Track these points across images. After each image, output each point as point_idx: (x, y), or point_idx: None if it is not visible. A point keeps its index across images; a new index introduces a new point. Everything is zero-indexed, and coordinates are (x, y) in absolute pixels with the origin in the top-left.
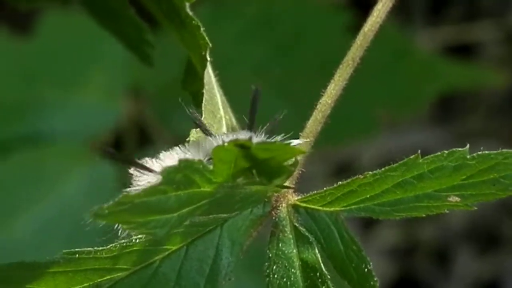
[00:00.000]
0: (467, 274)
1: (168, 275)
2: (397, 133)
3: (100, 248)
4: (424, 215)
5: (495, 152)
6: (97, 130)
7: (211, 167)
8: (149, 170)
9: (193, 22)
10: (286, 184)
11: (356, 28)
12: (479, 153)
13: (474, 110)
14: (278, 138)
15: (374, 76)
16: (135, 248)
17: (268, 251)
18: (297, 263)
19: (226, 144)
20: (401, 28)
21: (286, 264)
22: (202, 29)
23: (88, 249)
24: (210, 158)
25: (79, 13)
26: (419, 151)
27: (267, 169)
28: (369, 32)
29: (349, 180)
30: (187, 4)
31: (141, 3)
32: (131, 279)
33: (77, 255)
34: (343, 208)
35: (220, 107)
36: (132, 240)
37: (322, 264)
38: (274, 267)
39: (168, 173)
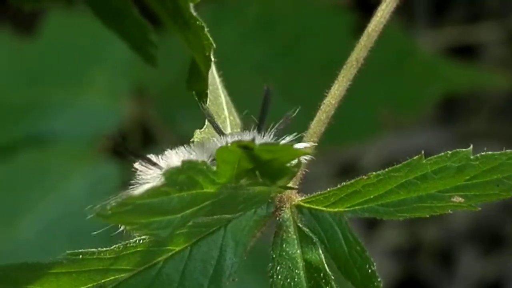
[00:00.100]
0: (471, 275)
1: (171, 276)
2: (401, 134)
3: (104, 248)
4: (427, 216)
5: (498, 152)
6: (101, 130)
7: (214, 168)
8: (156, 165)
9: (197, 22)
10: (290, 185)
11: (359, 29)
12: (483, 153)
13: (477, 111)
14: (287, 139)
15: (378, 77)
16: (138, 249)
17: (271, 252)
18: (300, 264)
19: (229, 145)
20: (404, 29)
21: (290, 265)
22: (206, 29)
23: (92, 250)
24: (214, 159)
25: (82, 14)
26: (422, 152)
27: (270, 170)
28: (373, 33)
29: (352, 180)
30: (191, 5)
31: (145, 3)
32: (135, 280)
33: (80, 256)
34: (346, 209)
35: (225, 107)
36: (135, 241)
37: (326, 265)
38: (278, 267)
39: (171, 174)
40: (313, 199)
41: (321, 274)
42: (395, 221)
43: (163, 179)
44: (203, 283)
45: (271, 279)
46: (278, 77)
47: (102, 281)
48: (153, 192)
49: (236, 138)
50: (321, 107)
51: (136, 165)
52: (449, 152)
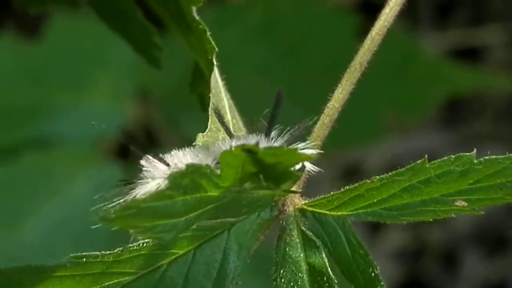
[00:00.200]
0: (475, 277)
1: (175, 279)
2: (404, 136)
3: (107, 252)
4: (431, 220)
5: (502, 156)
6: (105, 133)
7: (218, 171)
8: (163, 161)
9: (200, 26)
10: (293, 188)
11: (362, 31)
12: (486, 157)
13: (480, 113)
14: (300, 145)
15: (382, 79)
16: (142, 252)
17: (275, 255)
18: (304, 267)
19: (233, 149)
20: (408, 32)
21: (293, 268)
22: (208, 33)
23: (95, 253)
24: (218, 162)
25: (86, 17)
26: (426, 156)
27: (274, 174)
28: (376, 36)
29: (356, 184)
30: (194, 9)
31: (148, 6)
32: (138, 283)
33: (84, 259)
34: (350, 213)
35: (227, 110)
36: (139, 244)
37: (329, 268)
38: (281, 271)
39: (175, 178)
40: (317, 203)
41: (325, 278)
42: (398, 224)
43: (167, 182)
44: (207, 286)
45: (274, 283)
46: (281, 80)
47: (106, 284)
48: (157, 195)
49: (244, 142)
50: (325, 110)
51: (142, 161)
52: (453, 156)
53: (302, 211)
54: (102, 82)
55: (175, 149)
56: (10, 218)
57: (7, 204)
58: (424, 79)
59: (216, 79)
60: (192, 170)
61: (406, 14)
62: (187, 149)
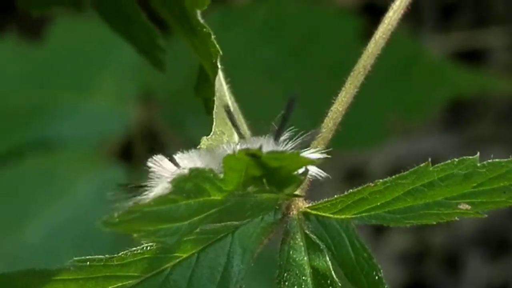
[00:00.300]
0: (478, 280)
1: (179, 283)
2: (408, 139)
3: (111, 255)
4: (434, 223)
5: (505, 160)
6: (108, 135)
7: (221, 175)
8: (175, 162)
9: (204, 29)
10: (297, 192)
11: (367, 34)
12: (490, 161)
13: (483, 115)
14: (310, 152)
15: (385, 82)
16: (146, 256)
17: (279, 259)
18: (308, 271)
19: (236, 152)
20: (412, 34)
21: (297, 272)
22: (213, 36)
23: (99, 256)
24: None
25: (89, 19)
26: (429, 159)
27: (277, 178)
28: (380, 40)
29: (359, 187)
30: (198, 12)
31: (153, 8)
32: (142, 287)
33: (88, 263)
34: (354, 216)
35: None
36: (143, 248)
37: (333, 272)
38: (285, 274)
39: (178, 182)
40: (320, 206)
41: (328, 281)
42: (402, 227)
43: (170, 187)
44: None
45: (278, 286)
46: (286, 82)
47: (110, 287)
48: (160, 199)
49: (249, 145)
50: (329, 114)
51: (149, 163)
52: (456, 159)
53: (305, 214)
54: (105, 84)
55: (181, 151)
56: (12, 220)
57: (9, 206)
58: (427, 81)
59: (221, 82)
60: (195, 174)
61: (410, 16)
62: (193, 151)
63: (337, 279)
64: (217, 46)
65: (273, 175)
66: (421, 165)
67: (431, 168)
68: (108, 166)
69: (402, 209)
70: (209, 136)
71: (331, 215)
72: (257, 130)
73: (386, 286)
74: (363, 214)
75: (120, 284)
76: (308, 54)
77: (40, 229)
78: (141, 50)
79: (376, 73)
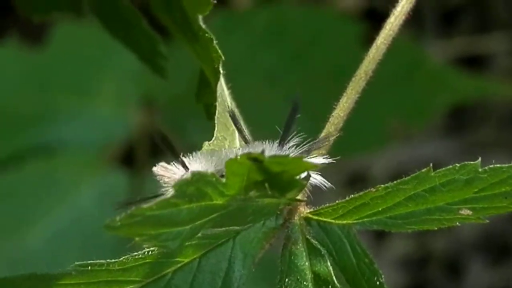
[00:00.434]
0: (479, 285)
1: None
2: (409, 144)
3: (113, 260)
4: (436, 228)
5: (507, 165)
6: (109, 140)
7: (223, 180)
8: (184, 166)
9: (206, 35)
10: (299, 197)
11: (369, 39)
12: (491, 166)
13: (485, 121)
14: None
15: (387, 87)
16: (147, 260)
17: (280, 264)
18: (309, 276)
19: (239, 157)
20: (413, 40)
21: (298, 277)
22: (214, 42)
23: (101, 261)
24: None
25: (91, 24)
26: (431, 165)
27: (279, 183)
28: (381, 45)
29: (361, 193)
30: (200, 17)
31: (153, 15)
32: None
33: (89, 267)
34: (355, 221)
35: None
36: (144, 252)
37: (334, 277)
38: (286, 279)
39: (180, 186)
40: (322, 211)
41: (330, 286)
42: (403, 232)
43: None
44: None
45: None
46: (287, 86)
47: None
48: (162, 203)
49: (260, 149)
50: (330, 119)
51: (155, 169)
52: (457, 164)
53: (307, 219)
54: (107, 89)
55: (185, 155)
56: (14, 225)
57: (11, 211)
58: (429, 87)
59: (222, 87)
60: (197, 178)
61: (411, 22)
62: (199, 153)
63: (338, 285)
64: (219, 51)
65: (275, 179)
66: (423, 170)
67: (432, 174)
68: (109, 171)
69: (403, 214)
70: (211, 142)
71: (332, 221)
72: (259, 135)
73: None
74: (365, 220)
75: None
76: (310, 59)
77: (42, 233)
78: (142, 57)
79: (377, 78)
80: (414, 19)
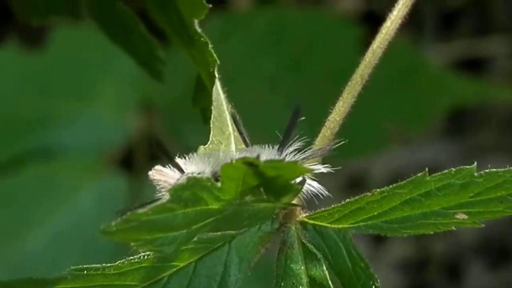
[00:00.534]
0: None
1: None
2: (409, 148)
3: (109, 264)
4: (431, 232)
5: (502, 169)
6: (108, 144)
7: (219, 184)
8: (180, 170)
9: (202, 39)
10: (294, 201)
11: (366, 43)
12: (487, 170)
13: (485, 124)
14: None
15: (385, 90)
16: (143, 265)
17: (276, 268)
18: (305, 280)
19: (234, 161)
20: (412, 43)
21: (294, 281)
22: (210, 46)
23: (97, 265)
24: None
25: (90, 28)
26: (426, 169)
27: (275, 187)
28: (377, 49)
29: (357, 197)
30: (196, 21)
31: (151, 19)
32: None
33: (85, 272)
34: (351, 225)
35: (229, 123)
36: (140, 257)
37: (330, 281)
38: (282, 283)
39: (176, 191)
40: (318, 216)
41: None
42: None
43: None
44: None
45: None
46: (286, 89)
47: None
48: (157, 208)
49: (256, 154)
50: (326, 123)
51: (151, 173)
52: (453, 169)
53: (303, 224)
54: (105, 92)
55: (181, 157)
56: (13, 229)
57: (10, 215)
58: (428, 90)
59: (218, 91)
60: (193, 183)
61: (410, 25)
62: (195, 155)
63: None
64: (215, 55)
65: (270, 184)
66: (418, 174)
67: (428, 178)
68: (108, 175)
69: (399, 218)
70: (206, 146)
71: (328, 225)
72: (258, 137)
73: None
74: (360, 224)
75: None
76: (309, 62)
77: (41, 237)
78: (140, 62)
79: (375, 82)
80: (413, 22)
